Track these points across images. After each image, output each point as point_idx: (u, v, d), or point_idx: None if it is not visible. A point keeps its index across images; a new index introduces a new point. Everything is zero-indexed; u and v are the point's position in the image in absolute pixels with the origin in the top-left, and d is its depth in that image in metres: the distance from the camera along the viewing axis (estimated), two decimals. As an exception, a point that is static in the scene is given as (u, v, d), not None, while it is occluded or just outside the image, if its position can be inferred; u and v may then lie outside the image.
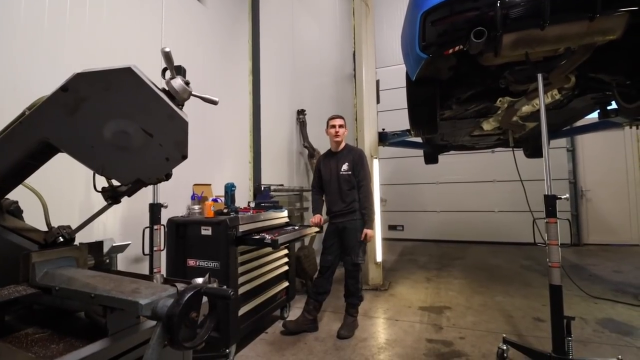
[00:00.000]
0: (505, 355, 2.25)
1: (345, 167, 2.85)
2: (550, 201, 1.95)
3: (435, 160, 5.62)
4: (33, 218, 1.30)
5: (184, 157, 1.13)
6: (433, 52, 2.17)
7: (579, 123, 4.20)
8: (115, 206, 2.31)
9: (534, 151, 4.64)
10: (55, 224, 1.22)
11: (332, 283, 2.88)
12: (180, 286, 1.15)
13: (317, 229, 3.06)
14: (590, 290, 3.46)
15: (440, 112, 3.19)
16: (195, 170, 3.03)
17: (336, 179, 2.87)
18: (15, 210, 1.26)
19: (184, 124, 1.08)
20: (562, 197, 1.96)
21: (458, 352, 2.40)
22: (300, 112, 4.84)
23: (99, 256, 1.27)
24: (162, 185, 2.66)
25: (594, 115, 3.47)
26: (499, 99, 2.94)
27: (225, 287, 1.12)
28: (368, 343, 2.59)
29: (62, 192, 2.01)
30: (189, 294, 0.76)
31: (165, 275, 2.45)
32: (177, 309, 0.73)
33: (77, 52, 2.12)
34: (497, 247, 6.39)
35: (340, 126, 2.90)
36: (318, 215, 2.98)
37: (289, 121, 4.70)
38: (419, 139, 4.83)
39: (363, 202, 2.78)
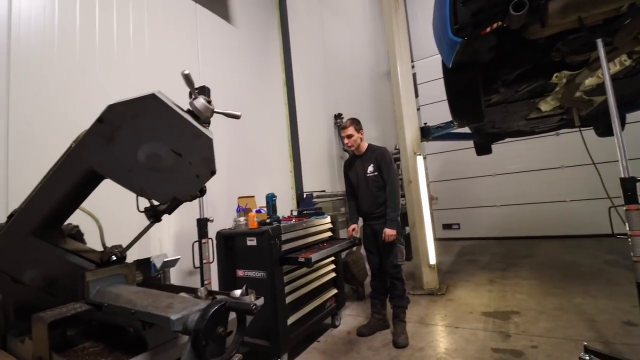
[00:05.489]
0: (589, 366, 1.95)
1: (371, 168, 2.81)
2: (629, 185, 1.66)
3: (488, 151, 5.18)
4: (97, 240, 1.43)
5: (213, 172, 1.16)
6: (468, 34, 2.00)
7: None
8: (169, 223, 2.47)
9: (607, 128, 4.04)
10: (118, 242, 1.33)
11: (388, 282, 2.83)
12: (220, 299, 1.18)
13: (351, 244, 2.99)
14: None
15: (487, 97, 2.94)
16: (239, 184, 3.16)
17: (364, 182, 2.85)
18: (77, 234, 1.41)
19: (209, 142, 1.11)
20: (644, 178, 1.66)
21: (530, 363, 2.14)
22: (338, 116, 4.82)
23: (147, 271, 1.35)
24: (211, 201, 2.82)
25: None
26: (555, 75, 2.61)
27: (257, 298, 1.12)
28: (425, 353, 2.43)
29: (118, 213, 2.21)
30: (214, 309, 0.76)
31: (218, 287, 2.57)
32: (201, 324, 0.74)
33: (124, 85, 2.34)
34: (572, 242, 5.66)
35: (349, 136, 2.82)
36: (354, 225, 2.94)
37: (326, 127, 4.71)
38: (467, 130, 4.50)
39: (387, 201, 2.71)
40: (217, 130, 3.13)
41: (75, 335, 1.10)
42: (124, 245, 1.34)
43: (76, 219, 1.37)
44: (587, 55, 2.29)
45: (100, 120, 1.03)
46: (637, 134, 5.57)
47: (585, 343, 2.04)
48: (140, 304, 0.90)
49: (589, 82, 2.77)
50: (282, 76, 3.96)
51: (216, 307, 0.76)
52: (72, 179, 1.11)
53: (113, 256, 1.28)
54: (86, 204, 1.31)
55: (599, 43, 1.82)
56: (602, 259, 4.37)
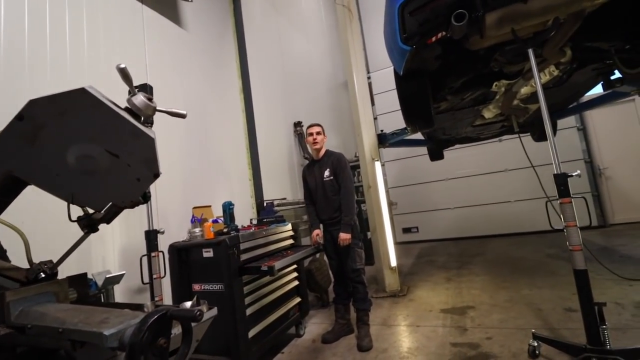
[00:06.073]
0: (537, 352, 2.07)
1: (327, 173, 2.84)
2: (561, 180, 1.83)
3: (440, 156, 5.48)
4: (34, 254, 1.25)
5: (156, 175, 1.07)
6: (416, 43, 2.11)
7: (585, 98, 4.03)
8: (113, 237, 2.27)
9: (542, 134, 4.46)
10: (52, 257, 1.18)
11: (350, 286, 2.81)
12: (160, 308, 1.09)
13: (315, 250, 2.95)
14: (623, 272, 3.23)
15: (436, 104, 3.11)
16: (195, 194, 3.01)
17: (321, 186, 2.86)
18: (-3, 251, 1.23)
19: (151, 141, 1.03)
20: (573, 174, 1.83)
21: (486, 354, 2.23)
22: (297, 124, 4.82)
23: (84, 289, 1.21)
24: (162, 212, 2.65)
25: (600, 88, 3.32)
26: (495, 84, 2.84)
27: (210, 309, 1.04)
28: (389, 354, 2.44)
29: (52, 224, 1.99)
30: (152, 319, 0.69)
31: (172, 303, 2.40)
32: (137, 336, 0.66)
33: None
34: (518, 238, 6.12)
35: (318, 133, 2.87)
36: (317, 230, 2.91)
37: (286, 135, 4.68)
38: (421, 137, 4.72)
39: (342, 205, 2.75)
40: (170, 137, 2.98)
41: (-9, 367, 0.94)
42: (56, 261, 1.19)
43: (-3, 234, 1.20)
44: (522, 66, 2.51)
45: (19, 117, 0.92)
46: (570, 140, 6.24)
47: (533, 330, 2.18)
48: (69, 322, 0.80)
49: (524, 90, 3.04)
50: (239, 83, 3.89)
51: (155, 316, 0.69)
52: (-14, 185, 0.97)
53: (41, 273, 1.13)
54: (9, 214, 1.15)
55: (530, 53, 2.00)
56: (544, 253, 4.76)
